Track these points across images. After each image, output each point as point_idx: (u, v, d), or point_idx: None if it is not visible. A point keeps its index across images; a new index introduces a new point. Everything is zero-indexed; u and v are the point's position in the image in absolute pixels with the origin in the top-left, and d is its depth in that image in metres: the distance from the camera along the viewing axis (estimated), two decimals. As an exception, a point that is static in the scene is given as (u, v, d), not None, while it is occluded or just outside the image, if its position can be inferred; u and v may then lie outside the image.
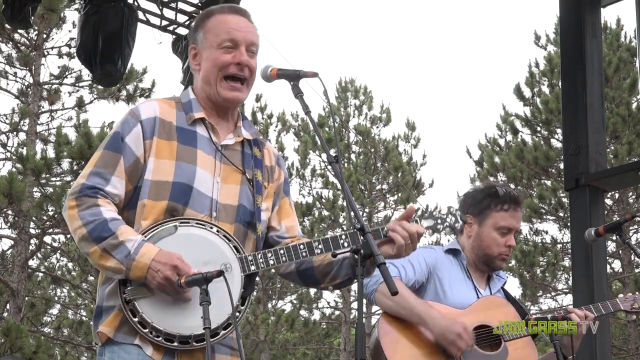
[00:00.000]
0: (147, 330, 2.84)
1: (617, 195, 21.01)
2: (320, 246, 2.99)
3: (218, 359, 2.93)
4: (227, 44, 3.06)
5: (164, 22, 9.98)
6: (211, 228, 2.95)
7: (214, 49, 3.07)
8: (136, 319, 2.84)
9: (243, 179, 3.08)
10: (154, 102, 3.12)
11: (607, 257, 18.01)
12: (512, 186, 21.48)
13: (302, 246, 2.99)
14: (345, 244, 2.99)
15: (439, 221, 3.20)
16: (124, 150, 2.97)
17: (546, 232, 22.09)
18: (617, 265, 21.81)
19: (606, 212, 16.31)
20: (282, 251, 2.98)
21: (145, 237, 2.89)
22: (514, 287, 20.87)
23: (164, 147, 3.00)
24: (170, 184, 2.96)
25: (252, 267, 2.96)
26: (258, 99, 25.19)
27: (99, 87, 16.81)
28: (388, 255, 2.98)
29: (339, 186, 22.42)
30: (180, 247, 2.88)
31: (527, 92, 21.97)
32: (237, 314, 2.92)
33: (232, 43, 3.06)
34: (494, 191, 4.06)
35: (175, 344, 2.85)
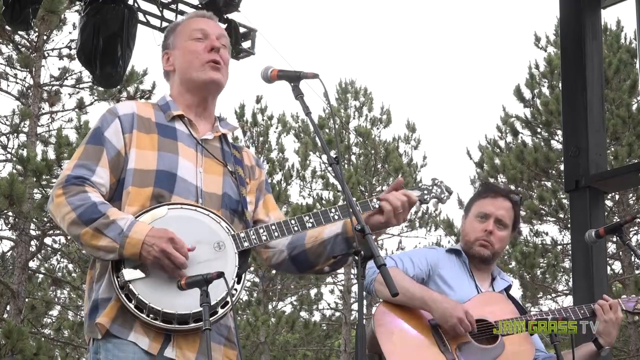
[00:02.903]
0: (144, 313, 2.83)
1: (617, 197, 20.99)
2: (311, 220, 3.05)
3: (211, 346, 2.92)
4: (198, 35, 3.17)
5: (165, 24, 9.96)
6: (202, 210, 2.96)
7: (185, 42, 3.19)
8: (132, 304, 2.83)
9: (225, 171, 3.12)
10: (132, 102, 3.23)
11: (608, 259, 18.01)
12: (512, 187, 21.51)
13: (293, 221, 3.04)
14: (336, 217, 3.06)
15: (425, 192, 3.27)
16: (105, 143, 3.02)
17: (546, 234, 22.05)
18: (617, 266, 21.81)
19: (606, 213, 16.30)
20: (273, 227, 3.02)
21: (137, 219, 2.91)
22: (514, 288, 20.80)
23: (145, 139, 3.04)
24: (154, 172, 2.99)
25: (246, 244, 2.98)
26: (258, 100, 25.17)
27: (100, 88, 16.80)
28: (378, 224, 3.05)
29: (339, 187, 22.39)
30: (172, 227, 2.87)
31: (527, 94, 21.93)
32: (234, 291, 2.93)
33: (202, 34, 3.18)
34: (477, 188, 4.20)
35: (174, 324, 2.84)
